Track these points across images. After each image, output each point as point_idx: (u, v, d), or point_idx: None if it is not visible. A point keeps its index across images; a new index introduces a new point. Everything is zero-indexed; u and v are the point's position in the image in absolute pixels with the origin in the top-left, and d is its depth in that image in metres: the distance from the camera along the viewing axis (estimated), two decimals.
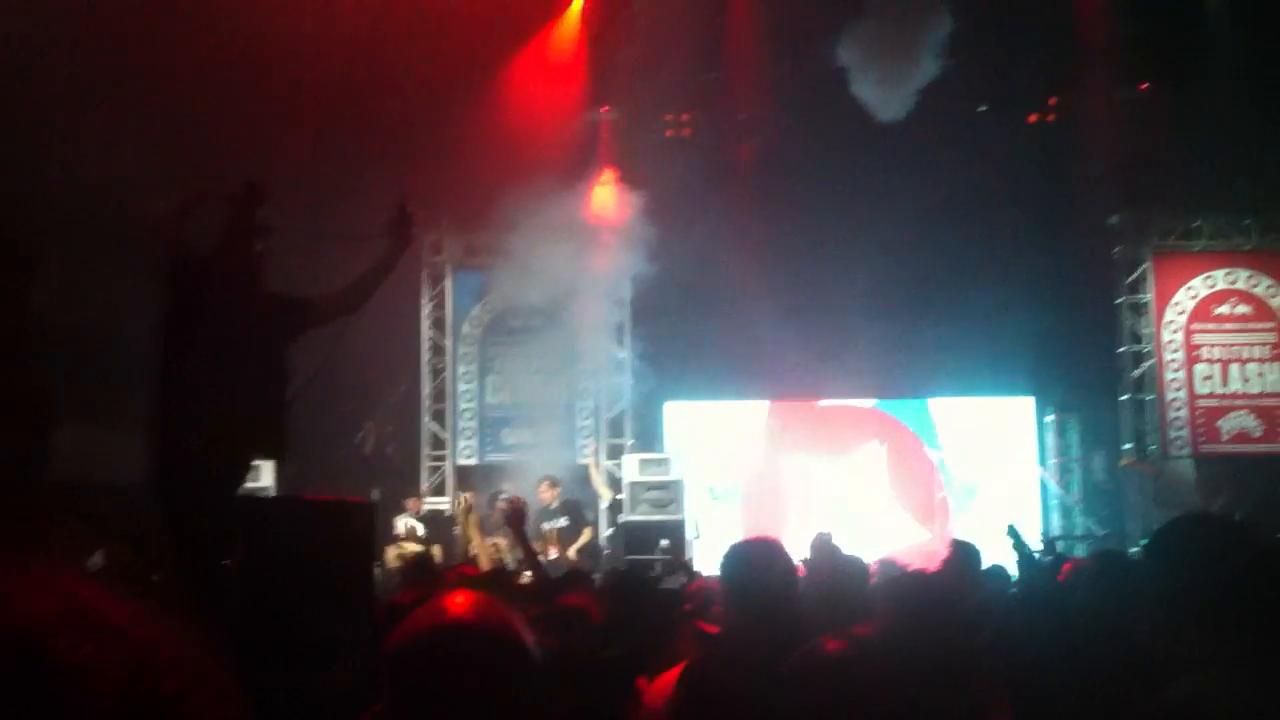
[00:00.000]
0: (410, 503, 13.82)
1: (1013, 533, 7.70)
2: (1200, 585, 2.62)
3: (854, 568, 7.06)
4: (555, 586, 5.67)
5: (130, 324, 5.59)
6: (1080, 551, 14.36)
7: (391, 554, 12.22)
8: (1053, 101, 15.16)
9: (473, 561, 7.87)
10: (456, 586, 5.10)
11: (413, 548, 12.16)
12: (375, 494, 13.21)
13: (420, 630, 1.77)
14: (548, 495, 13.19)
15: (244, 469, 5.08)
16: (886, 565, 7.71)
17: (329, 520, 5.01)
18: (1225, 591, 2.58)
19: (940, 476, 15.45)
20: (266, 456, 5.57)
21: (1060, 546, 14.18)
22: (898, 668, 2.48)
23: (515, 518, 6.83)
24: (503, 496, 12.89)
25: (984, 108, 14.99)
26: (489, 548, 8.24)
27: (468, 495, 13.23)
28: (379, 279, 5.37)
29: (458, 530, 12.62)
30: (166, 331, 4.84)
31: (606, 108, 15.16)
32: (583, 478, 14.23)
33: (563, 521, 13.00)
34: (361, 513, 5.23)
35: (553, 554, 12.33)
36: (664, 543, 11.01)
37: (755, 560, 4.10)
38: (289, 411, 5.06)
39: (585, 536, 12.95)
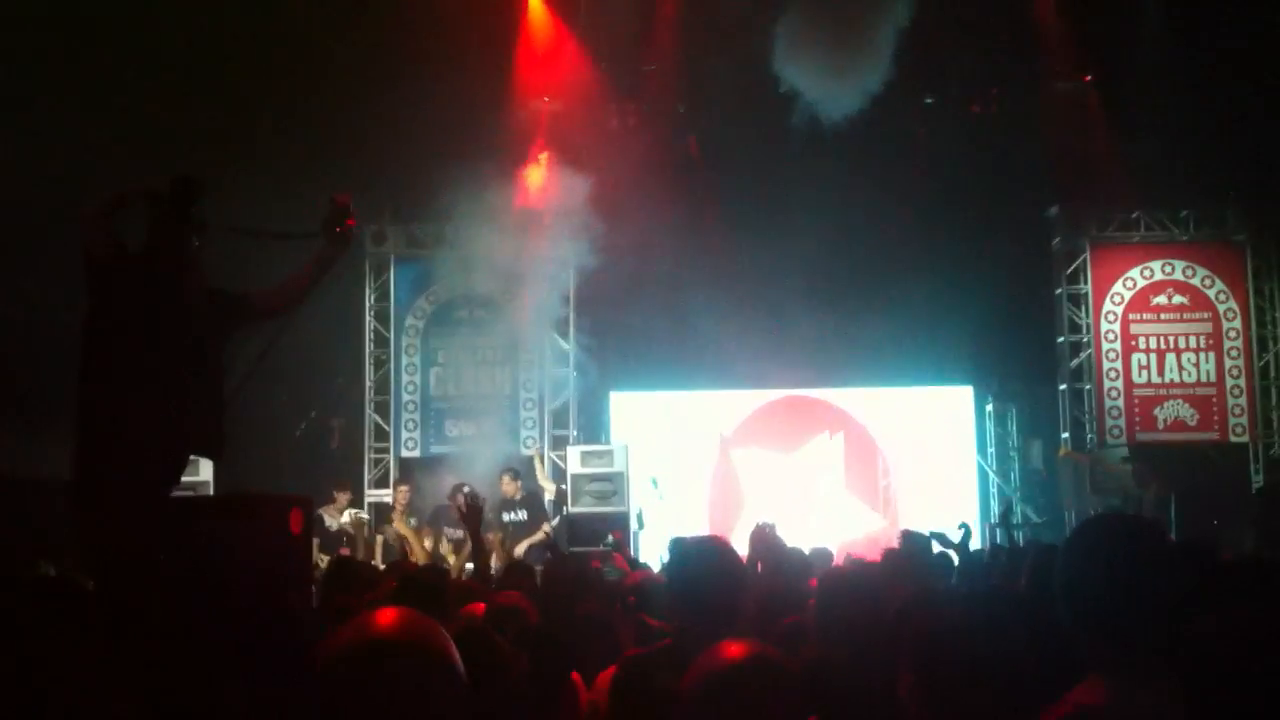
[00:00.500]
0: (340, 495, 13.48)
1: (961, 531, 7.76)
2: (1103, 589, 2.66)
3: (795, 559, 7.11)
4: (495, 582, 5.64)
5: (60, 318, 5.47)
6: (1018, 537, 14.54)
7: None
8: (994, 92, 15.27)
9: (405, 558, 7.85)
10: (397, 585, 5.08)
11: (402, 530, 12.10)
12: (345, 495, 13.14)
13: (344, 648, 1.74)
14: (510, 488, 13.11)
15: (180, 468, 4.99)
16: (853, 562, 7.78)
17: (267, 518, 4.96)
18: (1125, 596, 2.62)
19: (885, 465, 15.59)
20: (204, 455, 5.46)
21: (999, 535, 14.38)
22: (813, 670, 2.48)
23: (472, 512, 6.81)
24: (465, 490, 12.84)
25: (929, 100, 15.07)
26: (428, 545, 8.23)
27: (400, 498, 13.17)
28: (318, 278, 5.26)
29: (393, 526, 12.50)
30: (90, 329, 4.74)
31: (548, 97, 15.08)
32: (528, 471, 14.18)
33: (522, 515, 12.95)
34: (302, 508, 5.19)
35: (518, 550, 12.27)
36: (610, 538, 10.98)
37: (700, 556, 4.11)
38: (226, 408, 4.98)
39: (542, 532, 12.85)
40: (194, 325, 4.82)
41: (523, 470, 13.66)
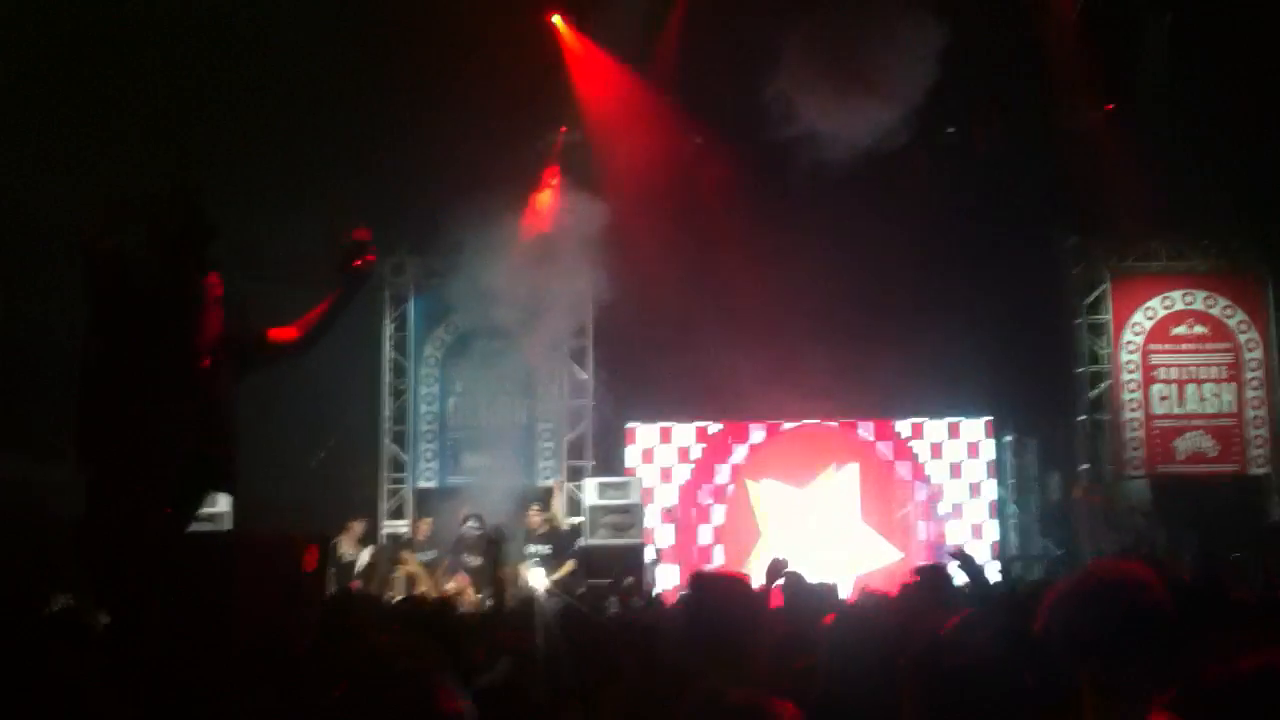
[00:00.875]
0: (354, 525, 13.42)
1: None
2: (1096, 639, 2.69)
3: (814, 597, 7.05)
4: (503, 621, 5.61)
5: (68, 347, 5.47)
6: (1038, 571, 14.46)
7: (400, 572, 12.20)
8: (1012, 122, 15.20)
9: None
10: (403, 618, 5.07)
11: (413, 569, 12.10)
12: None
13: None
14: (536, 520, 13.09)
15: (193, 503, 4.98)
16: (868, 597, 7.70)
17: (281, 557, 4.94)
18: (1117, 646, 2.64)
19: (902, 496, 15.51)
20: (218, 490, 5.44)
21: (1018, 567, 14.29)
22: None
23: (491, 546, 6.78)
24: (470, 521, 12.84)
25: (951, 130, 15.04)
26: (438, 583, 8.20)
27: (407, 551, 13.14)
28: (336, 315, 5.22)
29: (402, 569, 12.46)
30: (96, 362, 4.72)
31: (564, 129, 15.11)
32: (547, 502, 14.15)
33: (546, 550, 12.90)
34: (319, 545, 5.17)
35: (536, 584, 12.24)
36: (628, 580, 10.94)
37: (719, 594, 4.09)
38: (238, 444, 4.97)
39: (567, 567, 12.81)
40: (208, 362, 4.81)
41: (544, 502, 13.67)
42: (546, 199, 14.86)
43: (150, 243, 4.80)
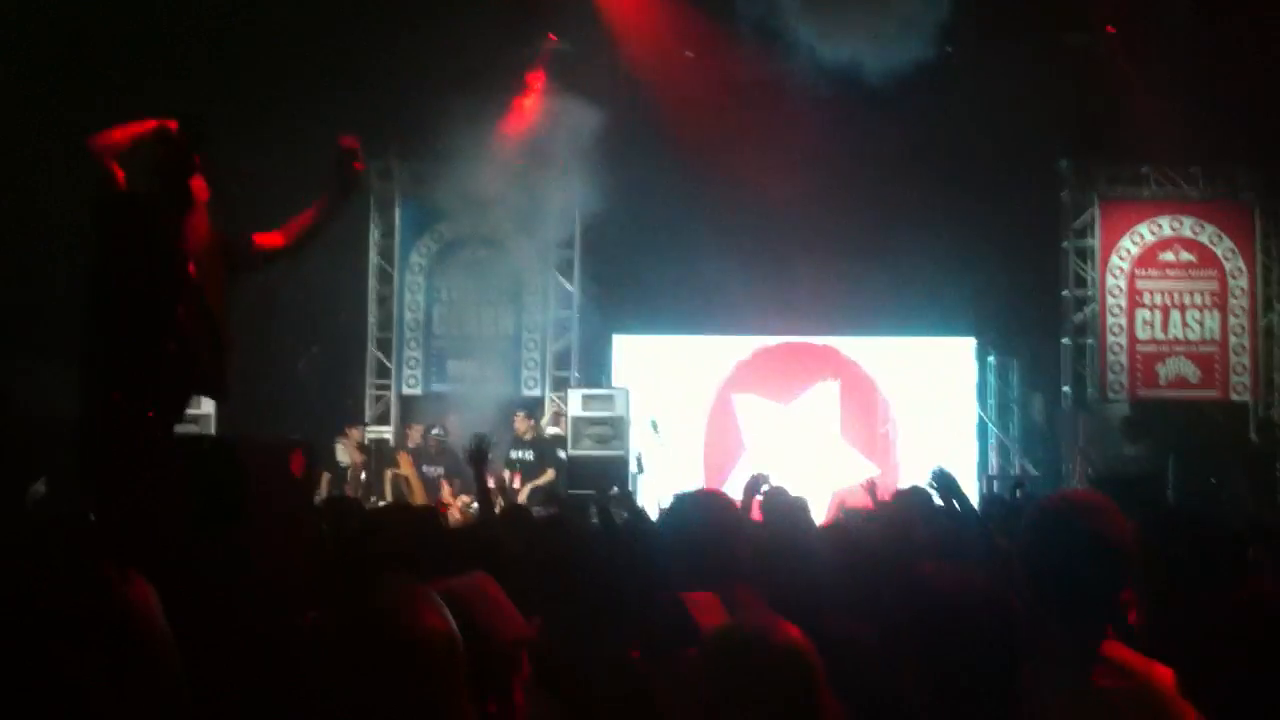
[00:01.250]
0: (353, 431, 13.65)
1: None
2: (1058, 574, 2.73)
3: (800, 509, 7.12)
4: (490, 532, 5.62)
5: (63, 254, 5.46)
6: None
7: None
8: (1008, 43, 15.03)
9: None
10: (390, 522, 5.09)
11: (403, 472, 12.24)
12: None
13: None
14: (522, 426, 13.26)
15: (183, 406, 5.00)
16: (851, 514, 7.77)
17: (270, 459, 4.97)
18: (1078, 582, 2.67)
19: (884, 412, 15.60)
20: (207, 395, 5.46)
21: (995, 486, 14.44)
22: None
23: (478, 455, 6.74)
24: (435, 431, 13.02)
25: (949, 49, 14.86)
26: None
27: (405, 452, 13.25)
28: (324, 223, 5.20)
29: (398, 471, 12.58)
30: (95, 269, 4.73)
31: (553, 36, 14.89)
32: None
33: (529, 455, 13.05)
34: (303, 450, 5.19)
35: (516, 484, 12.38)
36: (614, 490, 11.04)
37: (696, 511, 4.12)
38: (230, 350, 4.97)
39: (548, 475, 12.94)
40: (198, 268, 4.80)
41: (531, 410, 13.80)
42: (532, 106, 14.70)
43: (154, 168, 4.76)
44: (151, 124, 4.79)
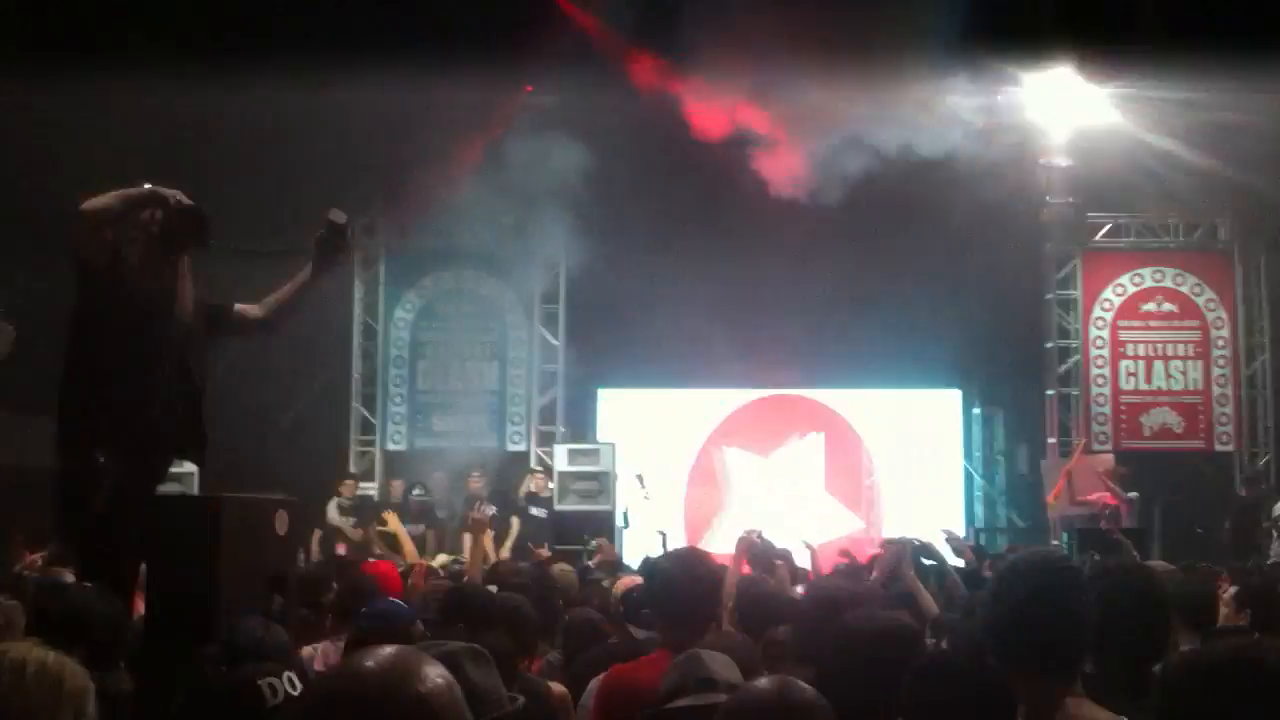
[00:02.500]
0: (345, 487, 13.66)
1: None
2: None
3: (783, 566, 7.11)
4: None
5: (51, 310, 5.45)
6: (1001, 542, 14.64)
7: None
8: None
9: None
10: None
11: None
12: None
13: (321, 694, 1.71)
14: (477, 484, 13.27)
15: (162, 468, 4.98)
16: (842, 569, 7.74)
17: (252, 518, 4.93)
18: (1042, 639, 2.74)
19: (868, 466, 15.59)
20: (186, 457, 5.44)
21: (983, 539, 14.42)
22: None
23: (478, 527, 6.93)
24: (416, 492, 13.13)
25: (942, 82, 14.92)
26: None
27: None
28: (303, 298, 5.23)
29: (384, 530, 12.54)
30: (76, 328, 4.72)
31: (530, 88, 14.92)
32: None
33: (492, 510, 13.00)
34: (290, 510, 5.15)
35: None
36: (594, 542, 10.98)
37: (676, 569, 4.15)
38: (205, 413, 4.97)
39: (514, 527, 12.94)
40: (181, 334, 4.81)
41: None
42: (514, 161, 14.73)
43: (149, 234, 4.77)
44: (145, 192, 4.80)
